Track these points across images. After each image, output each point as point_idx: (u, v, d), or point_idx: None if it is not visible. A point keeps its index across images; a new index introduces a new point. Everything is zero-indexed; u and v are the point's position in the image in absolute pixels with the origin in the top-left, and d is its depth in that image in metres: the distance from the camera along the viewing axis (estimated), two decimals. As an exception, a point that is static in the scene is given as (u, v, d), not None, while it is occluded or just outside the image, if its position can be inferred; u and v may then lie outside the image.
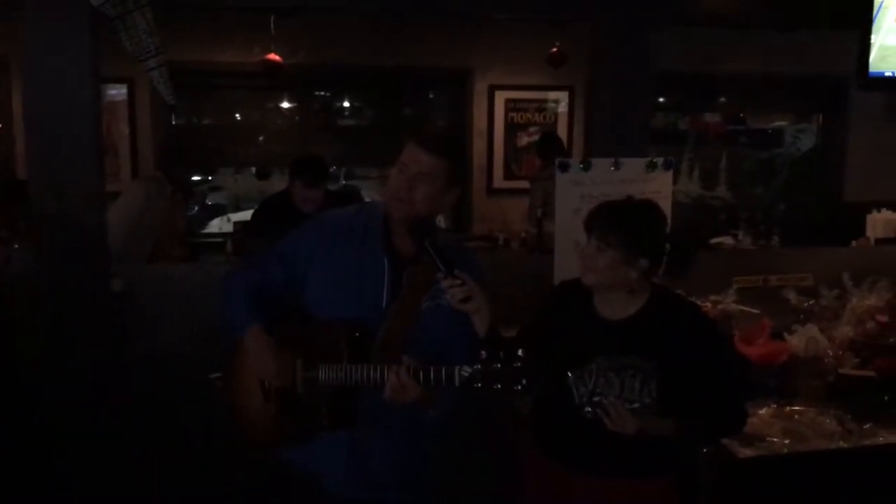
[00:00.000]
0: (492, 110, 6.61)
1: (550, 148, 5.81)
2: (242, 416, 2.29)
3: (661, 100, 7.10)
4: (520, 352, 1.82)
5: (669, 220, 2.33)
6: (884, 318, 3.16)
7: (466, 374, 1.84)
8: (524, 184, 6.25)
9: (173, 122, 6.32)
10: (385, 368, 1.93)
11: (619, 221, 2.13)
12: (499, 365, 1.81)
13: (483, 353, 1.84)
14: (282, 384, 2.14)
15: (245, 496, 2.82)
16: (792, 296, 3.35)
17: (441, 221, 6.49)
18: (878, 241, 5.11)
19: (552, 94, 6.70)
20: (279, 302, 2.18)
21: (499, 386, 1.81)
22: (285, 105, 6.83)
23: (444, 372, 1.87)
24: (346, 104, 7.11)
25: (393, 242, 2.12)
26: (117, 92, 5.86)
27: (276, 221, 2.37)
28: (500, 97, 6.60)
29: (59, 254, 3.09)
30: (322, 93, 7.01)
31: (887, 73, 3.42)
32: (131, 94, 5.89)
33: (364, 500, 2.16)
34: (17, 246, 3.44)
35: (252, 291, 2.15)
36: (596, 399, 2.04)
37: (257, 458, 2.37)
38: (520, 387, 1.81)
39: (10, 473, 3.00)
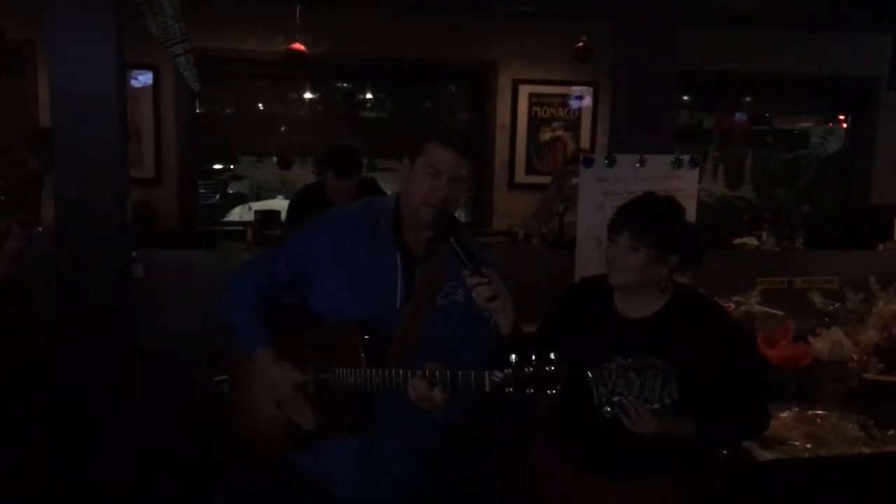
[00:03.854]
0: (515, 104, 6.57)
1: None
2: (249, 421, 2.23)
3: (685, 98, 7.03)
4: (552, 355, 1.73)
5: (694, 219, 2.31)
6: (910, 324, 3.12)
7: (497, 380, 1.74)
8: (546, 179, 6.21)
9: (197, 110, 6.34)
10: (409, 374, 1.87)
11: (652, 219, 2.08)
12: (531, 369, 1.72)
13: (513, 356, 1.74)
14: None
15: (255, 498, 2.80)
16: (817, 298, 3.31)
17: (461, 216, 6.48)
18: (905, 246, 5.03)
19: (576, 90, 6.65)
20: (284, 299, 2.13)
21: (531, 391, 1.72)
22: (308, 95, 6.82)
23: (473, 377, 1.79)
24: (368, 96, 7.09)
25: (403, 240, 2.08)
26: (143, 79, 5.88)
27: (311, 212, 2.33)
28: (524, 91, 6.56)
29: (80, 240, 3.09)
30: (344, 84, 6.99)
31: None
32: (156, 81, 5.90)
33: (378, 500, 2.13)
34: (40, 229, 3.44)
35: (258, 296, 2.10)
36: (615, 399, 2.01)
37: (263, 462, 2.33)
38: (554, 391, 1.72)
39: (13, 465, 2.97)
